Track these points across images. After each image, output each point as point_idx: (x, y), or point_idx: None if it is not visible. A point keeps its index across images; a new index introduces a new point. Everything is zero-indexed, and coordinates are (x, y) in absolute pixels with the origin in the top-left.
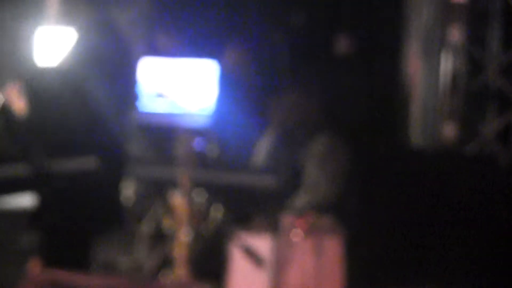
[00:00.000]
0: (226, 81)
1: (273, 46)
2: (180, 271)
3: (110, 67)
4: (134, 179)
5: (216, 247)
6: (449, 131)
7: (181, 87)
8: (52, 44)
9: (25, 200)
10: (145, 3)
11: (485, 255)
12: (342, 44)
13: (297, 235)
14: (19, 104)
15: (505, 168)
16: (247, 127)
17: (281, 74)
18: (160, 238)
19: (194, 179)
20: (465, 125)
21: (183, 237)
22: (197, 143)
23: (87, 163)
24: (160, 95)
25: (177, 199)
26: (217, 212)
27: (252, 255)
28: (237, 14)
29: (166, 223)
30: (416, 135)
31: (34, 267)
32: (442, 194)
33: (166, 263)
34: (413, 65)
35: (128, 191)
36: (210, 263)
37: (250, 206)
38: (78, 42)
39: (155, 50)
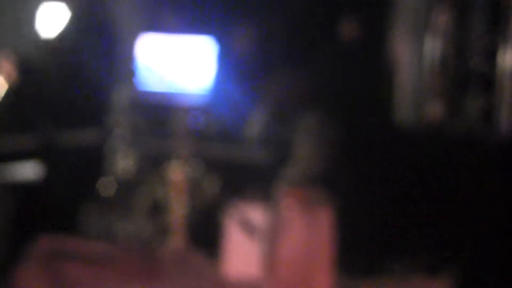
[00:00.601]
0: (224, 58)
1: (271, 27)
2: (176, 240)
3: (107, 42)
4: (132, 151)
5: (212, 217)
6: (434, 110)
7: (179, 64)
8: (52, 19)
9: (29, 171)
10: None
11: (471, 227)
12: (345, 30)
13: (289, 206)
14: (10, 75)
15: (489, 145)
16: (243, 104)
17: (277, 54)
18: (157, 209)
19: (191, 152)
20: (449, 104)
21: (180, 208)
22: (194, 119)
23: (88, 135)
24: (157, 72)
25: (174, 172)
26: (212, 184)
27: (246, 225)
28: None
29: (163, 194)
30: (402, 113)
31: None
32: (428, 169)
33: (163, 232)
34: (400, 47)
35: (126, 163)
36: (206, 232)
37: (244, 178)
38: (74, 17)
39: (153, 26)
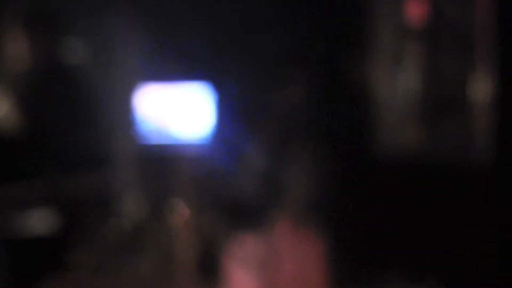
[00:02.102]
0: (221, 104)
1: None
2: (182, 278)
3: (107, 94)
4: (135, 198)
5: (213, 253)
6: (412, 138)
7: (177, 114)
8: None
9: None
10: (139, 32)
11: (456, 244)
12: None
13: (282, 234)
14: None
15: (468, 171)
16: (241, 146)
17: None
18: (162, 251)
19: (192, 196)
20: (427, 133)
21: (184, 248)
22: (194, 167)
23: (92, 181)
24: (156, 124)
25: (177, 216)
26: (212, 222)
27: (244, 258)
28: (227, 35)
29: (167, 237)
30: (382, 142)
31: None
32: (411, 194)
33: (170, 272)
34: (377, 79)
35: (130, 209)
36: (208, 268)
37: (240, 213)
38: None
39: (149, 76)
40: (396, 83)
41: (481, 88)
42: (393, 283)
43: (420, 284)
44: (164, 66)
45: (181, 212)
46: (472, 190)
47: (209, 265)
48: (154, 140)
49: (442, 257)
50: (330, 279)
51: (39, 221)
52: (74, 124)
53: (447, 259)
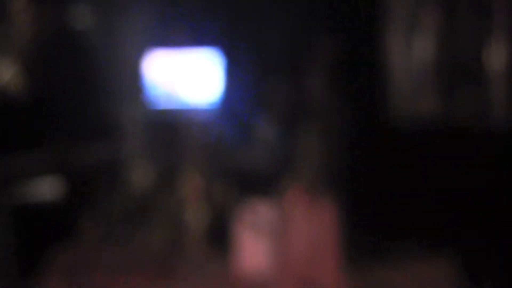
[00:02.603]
0: (230, 70)
1: (274, 38)
2: (193, 246)
3: (115, 60)
4: (145, 166)
5: (224, 221)
6: (427, 106)
7: (186, 79)
8: None
9: (45, 188)
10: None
11: (469, 215)
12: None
13: (295, 202)
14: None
15: (480, 138)
16: (251, 113)
17: (279, 62)
18: (172, 219)
19: (202, 163)
20: (442, 101)
21: (194, 216)
22: (204, 132)
23: (101, 150)
24: (165, 90)
25: (187, 183)
26: (223, 190)
27: (255, 225)
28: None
29: (178, 205)
30: (397, 111)
31: None
32: (424, 162)
33: (179, 241)
34: (392, 46)
35: (140, 177)
36: (220, 236)
37: (252, 181)
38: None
39: (159, 42)
40: (411, 50)
41: (498, 54)
42: (405, 250)
43: (434, 253)
44: (173, 31)
45: (191, 179)
46: (488, 157)
47: (220, 233)
48: (163, 106)
49: (457, 225)
50: (341, 245)
51: (47, 189)
52: (82, 90)
53: (462, 226)
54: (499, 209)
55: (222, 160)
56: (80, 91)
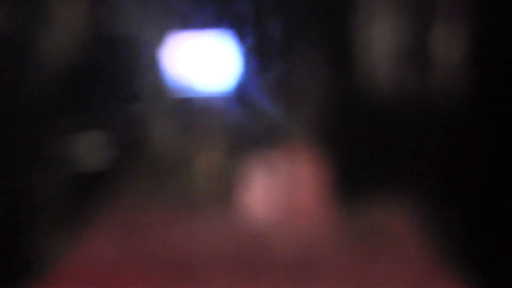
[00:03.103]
0: (246, 52)
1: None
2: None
3: (134, 45)
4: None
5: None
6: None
7: (204, 64)
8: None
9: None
10: None
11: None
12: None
13: (291, 157)
14: None
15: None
16: (266, 96)
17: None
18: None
19: (218, 148)
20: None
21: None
22: (221, 116)
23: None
24: (185, 75)
25: (202, 168)
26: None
27: (261, 172)
28: None
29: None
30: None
31: None
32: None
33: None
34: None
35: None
36: (228, 185)
37: (258, 135)
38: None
39: (177, 24)
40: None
41: (455, 43)
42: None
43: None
44: (192, 14)
45: (206, 159)
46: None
47: (228, 185)
48: (182, 90)
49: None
50: (335, 194)
51: (90, 154)
52: (101, 71)
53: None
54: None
55: (235, 138)
56: (99, 71)
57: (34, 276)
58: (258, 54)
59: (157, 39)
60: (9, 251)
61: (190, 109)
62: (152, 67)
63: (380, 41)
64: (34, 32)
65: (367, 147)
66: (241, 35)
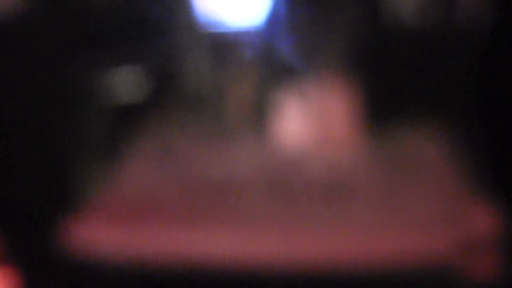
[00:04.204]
0: None
1: None
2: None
3: None
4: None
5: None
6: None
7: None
8: None
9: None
10: None
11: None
12: None
13: (323, 87)
14: None
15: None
16: (300, 29)
17: None
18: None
19: (250, 81)
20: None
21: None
22: (253, 51)
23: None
24: (215, 11)
25: (235, 100)
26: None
27: (295, 101)
28: None
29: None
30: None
31: None
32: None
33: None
34: None
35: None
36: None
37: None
38: None
39: None
40: None
41: None
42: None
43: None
44: None
45: (239, 91)
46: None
47: (262, 114)
48: (212, 26)
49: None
50: (366, 122)
51: (125, 87)
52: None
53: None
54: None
55: (268, 68)
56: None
57: (81, 201)
58: None
59: None
60: (54, 180)
61: (222, 42)
62: (185, 2)
63: None
64: None
65: (396, 76)
66: None
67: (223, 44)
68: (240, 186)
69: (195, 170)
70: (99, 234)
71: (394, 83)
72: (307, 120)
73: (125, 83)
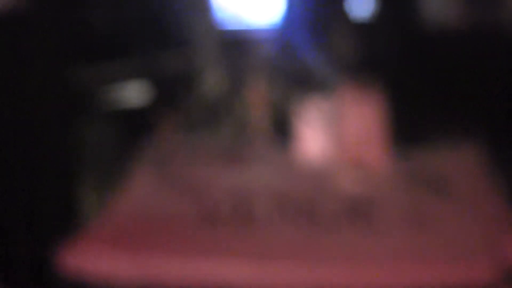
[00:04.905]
0: None
1: None
2: (256, 139)
3: None
4: (214, 81)
5: (285, 117)
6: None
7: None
8: None
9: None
10: None
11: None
12: None
13: (347, 93)
14: None
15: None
16: (313, 32)
17: None
18: (239, 124)
19: (267, 78)
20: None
21: (258, 121)
22: (269, 49)
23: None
24: (231, 11)
25: (254, 96)
26: (284, 98)
27: (314, 116)
28: None
29: (245, 114)
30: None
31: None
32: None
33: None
34: None
35: (211, 84)
36: (283, 127)
37: (308, 83)
38: None
39: None
40: None
41: None
42: (444, 135)
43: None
44: None
45: (256, 89)
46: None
47: (283, 130)
48: (230, 24)
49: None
50: (388, 131)
51: (133, 94)
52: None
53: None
54: None
55: (284, 68)
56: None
57: (82, 224)
58: None
59: None
60: (58, 199)
61: (241, 47)
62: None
63: None
64: None
65: (428, 91)
66: None
67: (242, 49)
68: (258, 210)
69: (208, 192)
70: (98, 260)
71: (425, 99)
72: (330, 137)
73: (134, 90)
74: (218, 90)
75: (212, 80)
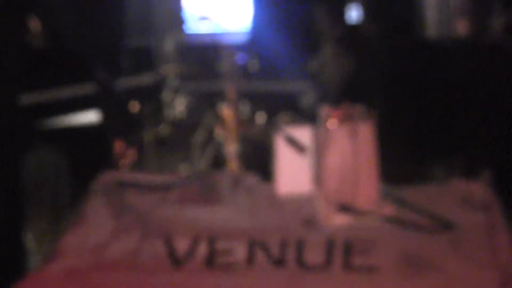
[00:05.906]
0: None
1: None
2: (231, 167)
3: None
4: (185, 94)
5: (262, 144)
6: (461, 26)
7: (221, 8)
8: None
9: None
10: None
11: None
12: None
13: (333, 123)
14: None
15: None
16: (282, 40)
17: None
18: (212, 144)
19: (239, 90)
20: (475, 21)
21: (233, 141)
22: (239, 58)
23: (142, 80)
24: (203, 18)
25: (225, 110)
26: (260, 117)
27: (294, 144)
28: None
29: (217, 131)
30: (432, 31)
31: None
32: (458, 78)
33: (218, 164)
34: None
35: (181, 105)
36: (258, 158)
37: (287, 106)
38: None
39: None
40: None
41: None
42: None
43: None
44: None
45: (228, 105)
46: None
47: (258, 154)
48: (201, 32)
49: (496, 145)
50: (381, 166)
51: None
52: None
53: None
54: None
55: (257, 87)
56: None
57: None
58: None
59: None
60: (5, 240)
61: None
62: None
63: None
64: None
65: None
66: None
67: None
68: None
69: (165, 232)
70: None
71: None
72: (311, 173)
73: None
74: (184, 111)
75: (178, 103)
